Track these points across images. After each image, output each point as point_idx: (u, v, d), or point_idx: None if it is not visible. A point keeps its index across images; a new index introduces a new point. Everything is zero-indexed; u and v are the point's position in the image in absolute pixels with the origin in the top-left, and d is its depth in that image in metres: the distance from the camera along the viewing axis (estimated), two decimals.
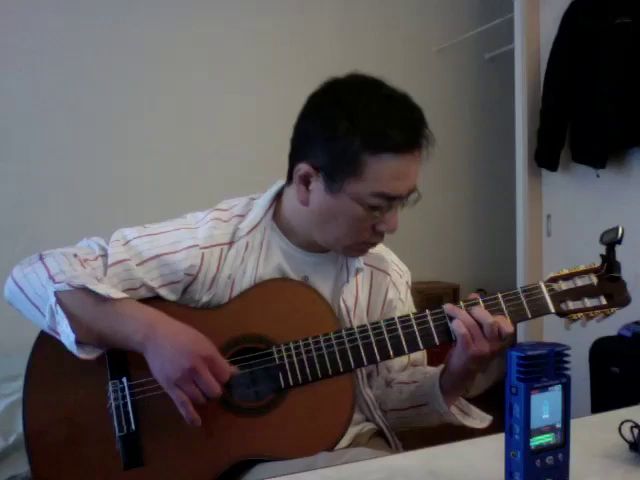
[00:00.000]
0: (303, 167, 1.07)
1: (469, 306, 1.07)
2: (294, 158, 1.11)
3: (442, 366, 1.14)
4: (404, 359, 1.25)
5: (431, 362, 1.28)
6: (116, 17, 3.03)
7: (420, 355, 1.27)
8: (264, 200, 1.17)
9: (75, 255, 1.08)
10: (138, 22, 3.08)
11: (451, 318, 1.06)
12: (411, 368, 1.25)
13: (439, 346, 1.09)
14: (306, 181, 1.08)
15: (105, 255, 1.10)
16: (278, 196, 1.18)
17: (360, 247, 1.13)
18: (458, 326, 1.04)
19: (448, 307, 1.07)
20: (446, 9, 3.80)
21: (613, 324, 2.23)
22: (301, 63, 3.38)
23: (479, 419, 1.16)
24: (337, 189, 1.04)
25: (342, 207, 1.05)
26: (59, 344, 1.01)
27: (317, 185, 1.07)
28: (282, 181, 1.18)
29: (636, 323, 2.27)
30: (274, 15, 3.38)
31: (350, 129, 1.02)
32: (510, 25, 3.21)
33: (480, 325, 1.04)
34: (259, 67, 3.33)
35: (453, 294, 3.53)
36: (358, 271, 1.18)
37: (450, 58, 3.81)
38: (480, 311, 1.05)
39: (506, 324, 1.04)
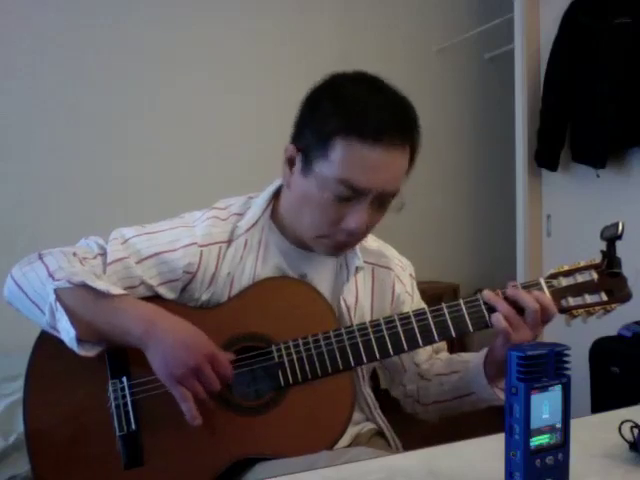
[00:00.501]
0: (289, 148, 1.09)
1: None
2: (291, 138, 1.12)
3: (484, 353, 1.13)
4: (428, 349, 1.24)
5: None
6: (116, 17, 3.03)
7: (441, 343, 1.26)
8: (262, 199, 1.17)
9: (74, 254, 1.08)
10: (138, 22, 3.08)
11: (491, 308, 1.05)
12: (444, 357, 1.25)
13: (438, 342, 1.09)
14: (291, 163, 1.09)
15: (104, 254, 1.10)
16: (276, 195, 1.18)
17: (330, 243, 1.09)
18: (498, 320, 1.04)
19: (488, 295, 1.06)
20: (446, 9, 3.80)
21: (613, 324, 2.23)
22: (301, 63, 3.39)
23: None
24: (309, 171, 1.05)
25: (310, 191, 1.05)
26: (59, 344, 1.00)
27: (297, 167, 1.08)
28: (280, 180, 1.18)
29: (636, 323, 2.27)
30: (274, 15, 3.38)
31: (330, 110, 1.02)
32: (510, 25, 3.21)
33: (522, 310, 1.03)
34: (259, 67, 3.33)
35: (453, 294, 3.53)
36: (358, 270, 1.17)
37: (450, 58, 3.81)
38: (527, 296, 1.04)
39: (552, 308, 1.04)
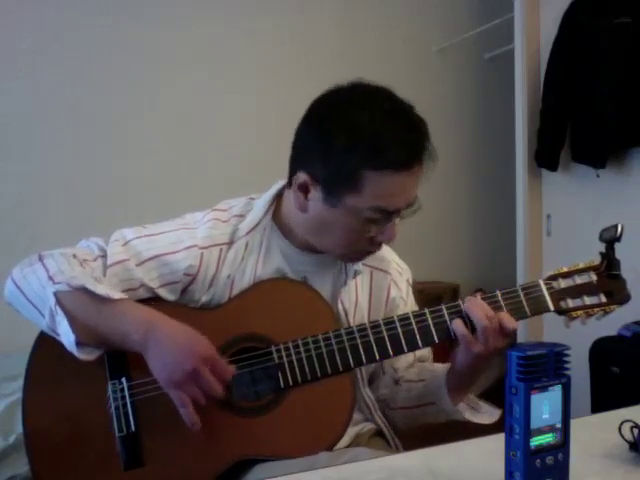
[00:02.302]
0: (302, 176, 1.07)
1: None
2: (294, 164, 1.10)
3: (448, 365, 1.14)
4: (410, 356, 1.24)
5: (437, 356, 1.28)
6: (116, 17, 3.03)
7: (426, 351, 1.27)
8: (264, 200, 1.17)
9: (74, 256, 1.08)
10: (138, 22, 3.08)
11: (455, 316, 1.06)
12: (418, 365, 1.25)
13: (439, 343, 1.10)
14: (305, 190, 1.08)
15: (104, 256, 1.10)
16: (278, 196, 1.18)
17: (357, 255, 1.13)
18: (458, 326, 1.05)
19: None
20: (446, 9, 3.80)
21: (613, 324, 2.23)
22: (301, 63, 3.39)
23: (488, 414, 1.15)
24: (335, 203, 1.04)
25: (340, 219, 1.06)
26: (59, 344, 1.00)
27: (315, 195, 1.06)
28: (282, 181, 1.17)
29: (636, 323, 2.27)
30: (274, 15, 3.38)
31: (349, 145, 1.01)
32: (510, 25, 3.21)
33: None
34: (259, 67, 3.33)
35: (453, 294, 3.53)
36: (356, 274, 1.18)
37: (450, 58, 3.81)
38: (477, 312, 1.04)
39: (509, 320, 1.04)
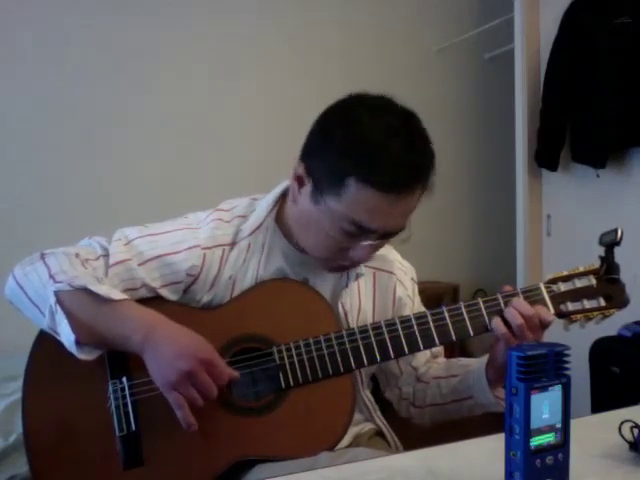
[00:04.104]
0: (300, 167, 1.07)
1: (507, 298, 1.08)
2: (300, 154, 1.09)
3: (486, 358, 1.14)
4: (427, 353, 1.25)
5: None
6: (116, 17, 3.03)
7: (438, 348, 1.26)
8: (267, 201, 1.16)
9: (77, 255, 1.08)
10: (138, 22, 3.08)
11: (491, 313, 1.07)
12: (442, 361, 1.26)
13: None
14: (300, 181, 1.08)
15: (106, 255, 1.10)
16: (283, 196, 1.17)
17: (333, 265, 1.10)
18: (498, 326, 1.05)
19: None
20: (446, 9, 3.80)
21: (613, 324, 2.22)
22: (301, 63, 3.38)
23: None
24: (318, 200, 1.03)
25: (319, 219, 1.04)
26: (58, 344, 1.00)
27: (306, 189, 1.06)
28: (287, 182, 1.16)
29: (636, 323, 2.26)
30: (274, 15, 3.38)
31: (344, 148, 1.00)
32: (510, 25, 3.21)
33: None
34: (259, 67, 3.33)
35: (453, 294, 3.53)
36: (358, 276, 1.17)
37: (450, 58, 3.81)
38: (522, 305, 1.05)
39: (547, 313, 1.05)
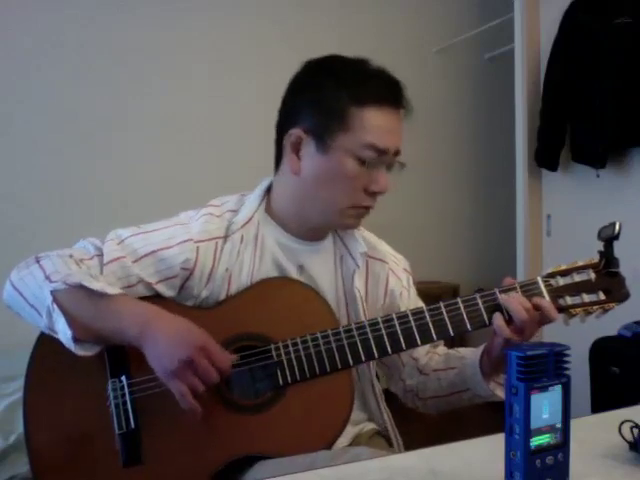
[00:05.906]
0: (294, 132, 1.11)
1: (505, 292, 1.08)
2: (283, 127, 1.14)
3: (480, 350, 1.15)
4: (426, 345, 1.25)
5: None
6: (116, 17, 3.03)
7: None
8: (255, 195, 1.19)
9: (71, 256, 1.09)
10: (138, 22, 3.08)
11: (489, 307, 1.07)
12: (441, 352, 1.27)
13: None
14: (297, 148, 1.11)
15: (101, 255, 1.11)
16: (267, 191, 1.20)
17: (356, 211, 1.13)
18: (497, 319, 1.06)
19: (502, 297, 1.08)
20: (446, 9, 3.80)
21: (613, 324, 2.23)
22: (301, 63, 3.38)
23: None
24: (328, 147, 1.08)
25: (335, 165, 1.08)
26: (60, 344, 1.01)
27: (308, 150, 1.10)
28: (270, 177, 1.21)
29: (636, 323, 2.26)
30: (274, 15, 3.38)
31: (335, 85, 1.09)
32: (510, 25, 3.21)
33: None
34: (259, 67, 3.33)
35: (453, 294, 3.53)
36: (362, 255, 1.19)
37: (450, 58, 3.81)
38: (513, 304, 1.06)
39: (550, 311, 1.05)
